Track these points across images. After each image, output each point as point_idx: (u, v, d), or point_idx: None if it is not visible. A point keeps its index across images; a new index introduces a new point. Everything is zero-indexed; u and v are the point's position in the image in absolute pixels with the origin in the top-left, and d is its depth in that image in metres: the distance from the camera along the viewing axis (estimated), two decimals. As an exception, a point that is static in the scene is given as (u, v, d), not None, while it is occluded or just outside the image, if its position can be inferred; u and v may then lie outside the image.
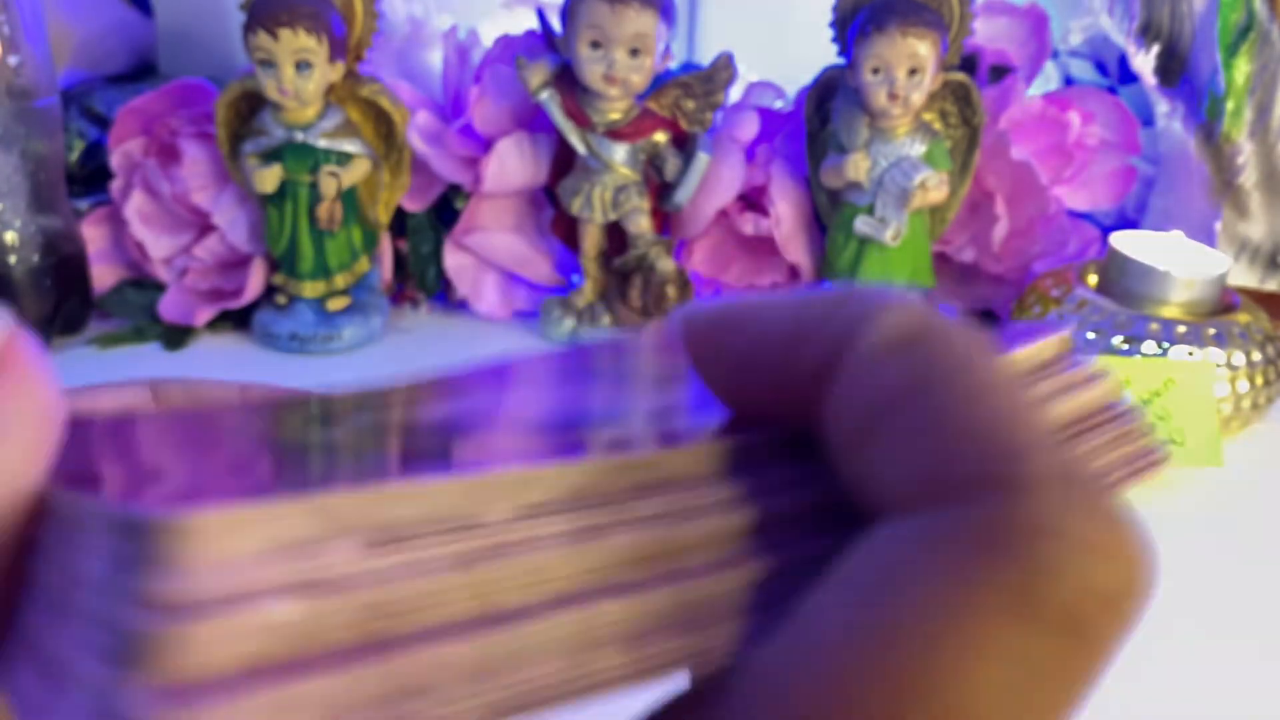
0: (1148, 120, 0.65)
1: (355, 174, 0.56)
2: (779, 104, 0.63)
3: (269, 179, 0.55)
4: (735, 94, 0.63)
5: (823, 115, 0.59)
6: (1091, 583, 0.10)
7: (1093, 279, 0.53)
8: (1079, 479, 0.11)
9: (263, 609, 0.09)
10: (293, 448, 0.14)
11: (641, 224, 0.57)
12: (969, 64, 0.59)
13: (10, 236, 0.53)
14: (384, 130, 0.57)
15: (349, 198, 0.57)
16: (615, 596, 0.11)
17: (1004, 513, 0.10)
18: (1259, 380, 0.48)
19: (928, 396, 0.11)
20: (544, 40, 0.57)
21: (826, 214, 0.60)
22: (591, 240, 0.59)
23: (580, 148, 0.56)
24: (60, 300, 0.55)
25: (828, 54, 0.57)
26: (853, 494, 0.12)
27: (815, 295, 0.12)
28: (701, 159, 0.55)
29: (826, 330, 0.12)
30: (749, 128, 0.59)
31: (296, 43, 0.51)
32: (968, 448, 0.11)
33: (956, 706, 0.10)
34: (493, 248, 0.61)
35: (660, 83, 0.55)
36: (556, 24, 0.55)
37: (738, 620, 0.11)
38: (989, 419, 0.11)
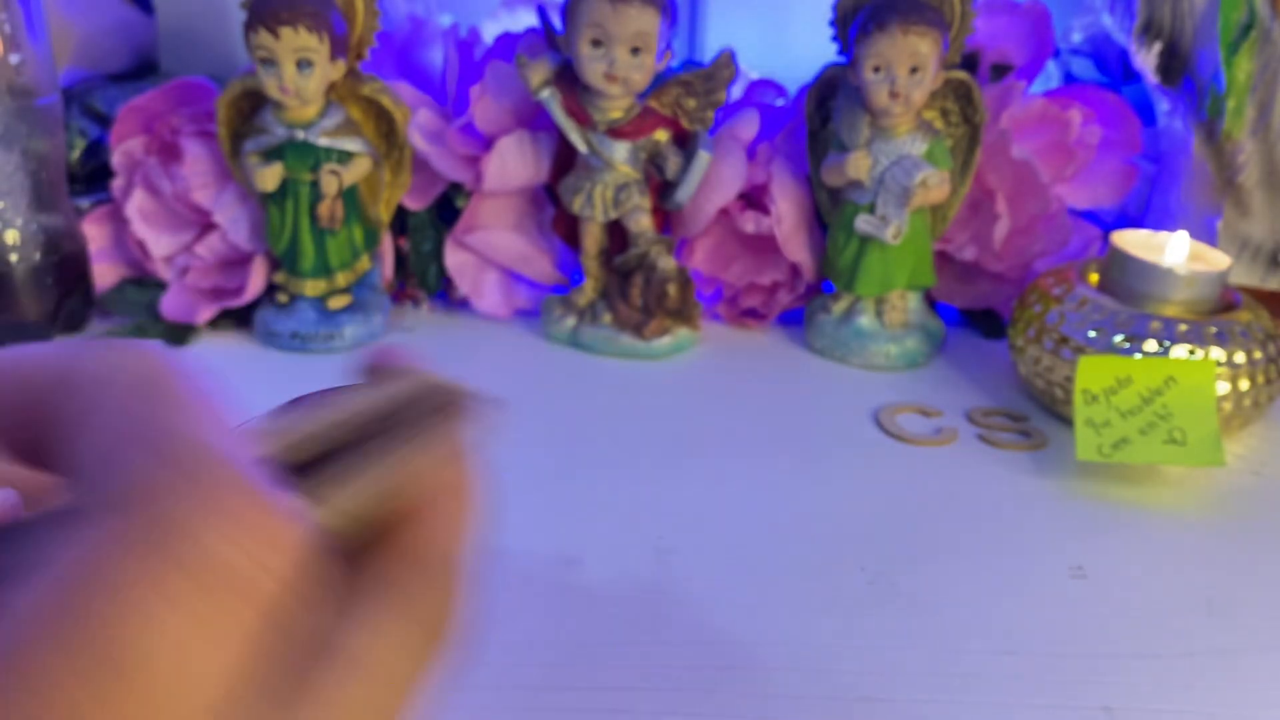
0: (1149, 119, 0.65)
1: (356, 172, 0.56)
2: (780, 102, 0.63)
3: (270, 177, 0.55)
4: (736, 92, 0.63)
5: (824, 113, 0.59)
6: (231, 549, 0.13)
7: (1094, 277, 0.53)
8: (241, 485, 0.14)
9: None
10: None
11: (642, 222, 0.57)
12: (970, 62, 0.59)
13: (12, 235, 0.53)
14: (385, 129, 0.57)
15: (350, 196, 0.57)
16: None
17: (166, 511, 0.13)
18: (1260, 379, 0.48)
19: (137, 423, 0.14)
20: (545, 38, 0.57)
21: (827, 212, 0.60)
22: (592, 239, 0.59)
23: (581, 146, 0.56)
24: (62, 298, 0.55)
25: (828, 52, 0.57)
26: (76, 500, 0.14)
27: (71, 344, 0.16)
28: (702, 157, 0.55)
29: (84, 369, 0.15)
30: (750, 126, 0.59)
31: (298, 41, 0.51)
32: (144, 463, 0.14)
33: (149, 653, 0.12)
34: (494, 246, 0.61)
35: (661, 81, 0.55)
36: (557, 22, 0.55)
37: None
38: (167, 442, 0.14)
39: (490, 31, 0.63)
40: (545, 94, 0.55)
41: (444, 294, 0.64)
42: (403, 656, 0.17)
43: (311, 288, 0.57)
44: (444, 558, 0.18)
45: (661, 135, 0.56)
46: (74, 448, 0.14)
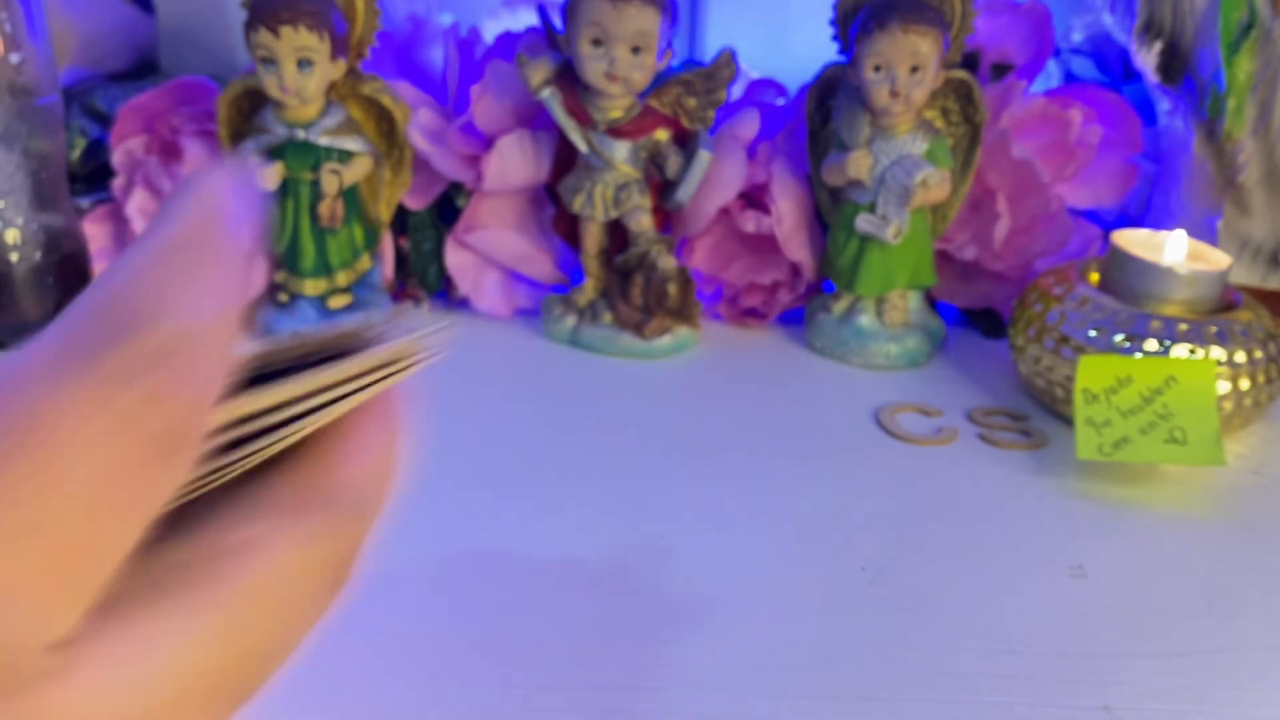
0: (1150, 118, 0.64)
1: (357, 172, 0.56)
2: (780, 101, 0.63)
3: (270, 177, 0.55)
4: (737, 91, 0.63)
5: (824, 113, 0.59)
6: (167, 381, 0.13)
7: (1094, 277, 0.53)
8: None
9: None
10: None
11: (643, 222, 0.57)
12: (971, 61, 0.59)
13: (12, 234, 0.53)
14: (385, 128, 0.57)
15: (350, 196, 0.57)
16: None
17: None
18: (1260, 378, 0.48)
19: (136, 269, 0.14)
20: (545, 37, 0.57)
21: (828, 212, 0.60)
22: (593, 238, 0.59)
23: (582, 145, 0.56)
24: (62, 298, 0.55)
25: (828, 51, 0.57)
26: None
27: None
28: (703, 157, 0.55)
29: None
30: (750, 125, 0.59)
31: (298, 40, 0.51)
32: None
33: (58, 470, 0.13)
34: (494, 246, 0.61)
35: (662, 80, 0.55)
36: (558, 21, 0.55)
37: None
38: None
39: (491, 31, 0.63)
40: (546, 93, 0.55)
41: (444, 293, 0.64)
42: (296, 572, 0.16)
43: (312, 287, 0.57)
44: (354, 487, 0.18)
45: (662, 134, 0.56)
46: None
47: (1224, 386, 0.48)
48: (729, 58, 0.55)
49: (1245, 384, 0.48)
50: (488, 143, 0.58)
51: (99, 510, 0.13)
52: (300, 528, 0.16)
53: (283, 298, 0.58)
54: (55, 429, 0.12)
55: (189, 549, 0.15)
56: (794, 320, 0.63)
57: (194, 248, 0.15)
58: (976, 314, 0.63)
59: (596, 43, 0.53)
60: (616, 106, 0.55)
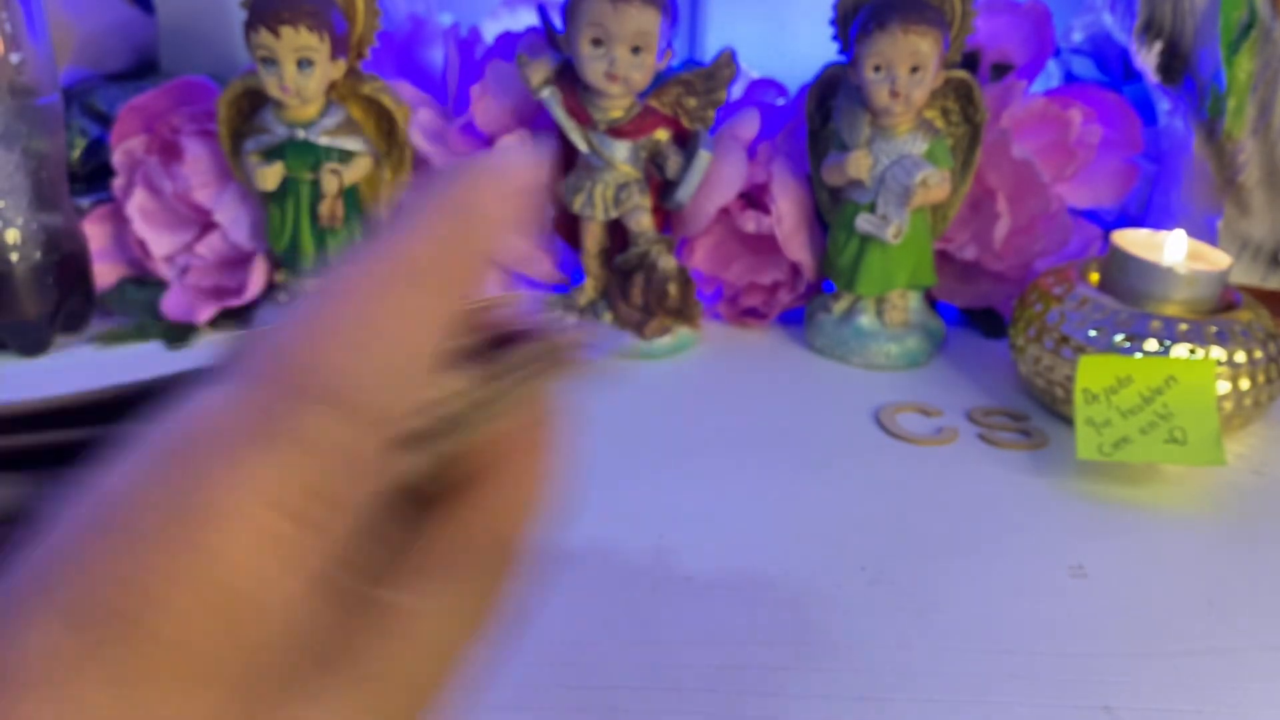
0: (1150, 118, 0.64)
1: (357, 171, 0.56)
2: (781, 101, 0.63)
3: (270, 176, 0.55)
4: (737, 91, 0.63)
5: (824, 113, 0.59)
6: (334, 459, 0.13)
7: (1094, 276, 0.53)
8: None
9: None
10: None
11: (643, 222, 0.57)
12: (971, 61, 0.59)
13: (12, 234, 0.53)
14: (386, 128, 0.57)
15: (351, 195, 0.57)
16: None
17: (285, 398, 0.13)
18: (1261, 378, 0.48)
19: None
20: (545, 37, 0.57)
21: (828, 212, 0.60)
22: (593, 238, 0.59)
23: (582, 145, 0.56)
24: (62, 298, 0.55)
25: (829, 51, 0.57)
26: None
27: None
28: (703, 157, 0.55)
29: None
30: (750, 125, 0.59)
31: (298, 40, 0.51)
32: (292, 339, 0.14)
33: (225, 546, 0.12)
34: (494, 245, 0.61)
35: (662, 80, 0.55)
36: (558, 21, 0.55)
37: None
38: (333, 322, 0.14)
39: (491, 30, 0.63)
40: (546, 93, 0.55)
41: (444, 293, 0.64)
42: (449, 633, 0.16)
43: (312, 287, 0.57)
44: (502, 544, 0.18)
45: (662, 134, 0.56)
46: None
47: (1224, 386, 0.48)
48: (729, 58, 0.55)
49: (1245, 384, 0.48)
50: (488, 143, 0.58)
51: (251, 604, 0.12)
52: (448, 595, 0.16)
53: (283, 298, 0.58)
54: (224, 519, 0.12)
55: (342, 606, 0.14)
56: (794, 320, 0.63)
57: (414, 278, 0.14)
58: (976, 314, 0.63)
59: (597, 43, 0.53)
60: (616, 106, 0.55)
